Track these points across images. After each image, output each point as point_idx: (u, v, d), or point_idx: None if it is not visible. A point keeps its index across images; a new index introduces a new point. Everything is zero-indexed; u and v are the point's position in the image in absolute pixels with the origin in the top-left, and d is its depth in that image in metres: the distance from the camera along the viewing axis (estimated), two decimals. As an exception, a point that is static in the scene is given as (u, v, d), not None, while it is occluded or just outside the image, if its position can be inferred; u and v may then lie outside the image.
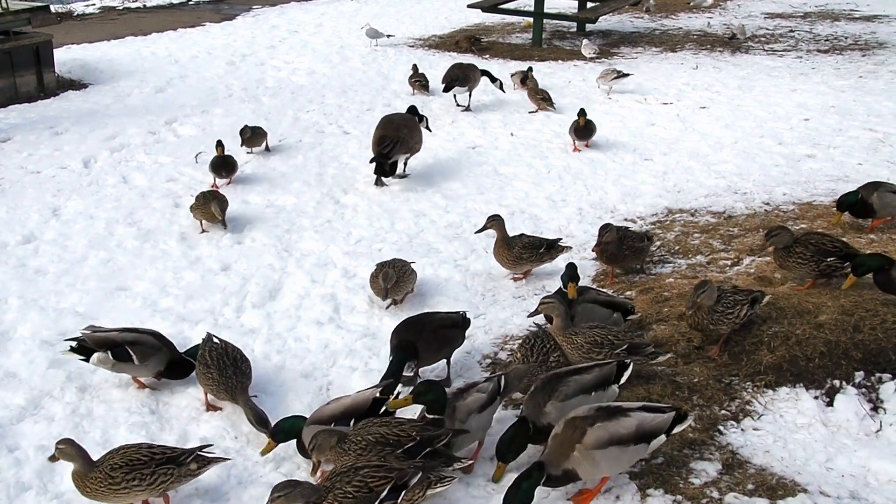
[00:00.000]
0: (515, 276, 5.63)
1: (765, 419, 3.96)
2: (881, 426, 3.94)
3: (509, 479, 3.39)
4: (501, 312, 5.20)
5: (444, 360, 4.54)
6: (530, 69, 10.03)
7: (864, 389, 4.11)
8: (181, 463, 3.44)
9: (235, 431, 4.09)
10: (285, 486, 3.18)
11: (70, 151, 7.97)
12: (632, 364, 3.87)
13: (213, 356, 4.17)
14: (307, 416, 3.86)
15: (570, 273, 4.62)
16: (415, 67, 10.28)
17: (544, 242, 5.47)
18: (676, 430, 3.46)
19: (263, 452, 3.79)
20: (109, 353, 4.23)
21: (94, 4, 16.11)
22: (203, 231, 6.29)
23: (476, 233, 5.74)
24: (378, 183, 7.18)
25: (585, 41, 12.00)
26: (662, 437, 3.42)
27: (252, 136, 7.87)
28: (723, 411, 4.00)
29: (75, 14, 15.38)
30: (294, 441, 3.79)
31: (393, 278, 5.00)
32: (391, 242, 6.16)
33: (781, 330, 4.40)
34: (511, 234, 5.51)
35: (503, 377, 3.91)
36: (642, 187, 7.15)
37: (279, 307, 5.25)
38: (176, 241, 6.13)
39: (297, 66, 11.36)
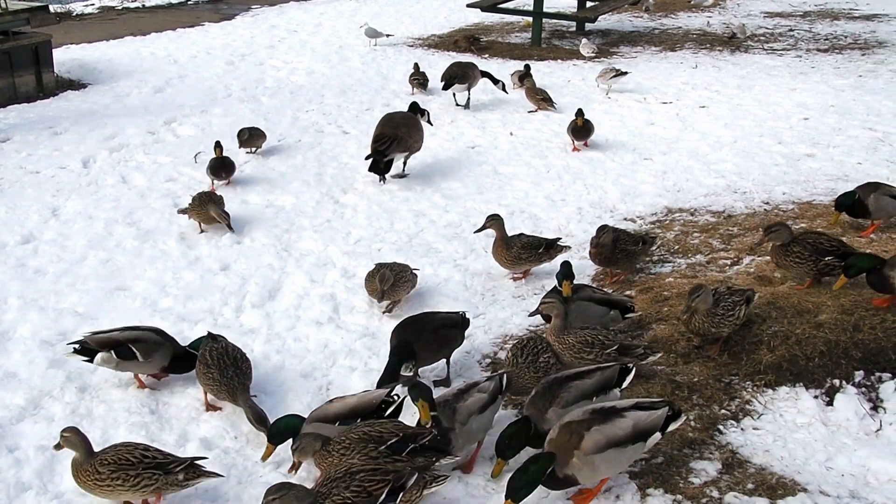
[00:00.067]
0: (515, 275, 5.63)
1: (765, 418, 3.96)
2: (881, 425, 3.94)
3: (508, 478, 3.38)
4: (501, 312, 5.20)
5: (444, 360, 4.54)
6: (527, 67, 10.03)
7: (863, 389, 4.11)
8: (169, 471, 3.41)
9: (235, 431, 4.09)
10: (279, 488, 3.17)
11: (69, 151, 7.97)
12: (634, 368, 3.86)
13: (213, 356, 4.16)
14: (302, 415, 3.85)
15: (565, 271, 4.61)
16: (416, 66, 10.28)
17: (543, 242, 5.46)
18: (671, 427, 3.46)
19: (264, 458, 3.76)
20: (113, 352, 4.23)
21: (92, 4, 16.10)
22: (202, 231, 6.29)
23: (475, 232, 5.74)
24: (382, 180, 7.15)
25: (584, 40, 12.00)
26: (658, 435, 3.42)
27: (250, 137, 7.84)
28: (722, 411, 4.00)
29: (74, 14, 15.37)
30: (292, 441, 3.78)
31: (390, 280, 4.97)
32: (390, 242, 6.15)
33: (781, 329, 4.40)
34: (510, 233, 5.51)
35: (505, 375, 3.91)
36: (642, 187, 7.15)
37: (278, 307, 5.25)
38: (175, 241, 6.13)
39: (297, 66, 11.35)
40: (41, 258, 5.83)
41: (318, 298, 5.33)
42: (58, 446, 3.51)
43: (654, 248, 5.62)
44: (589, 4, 13.73)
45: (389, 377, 4.19)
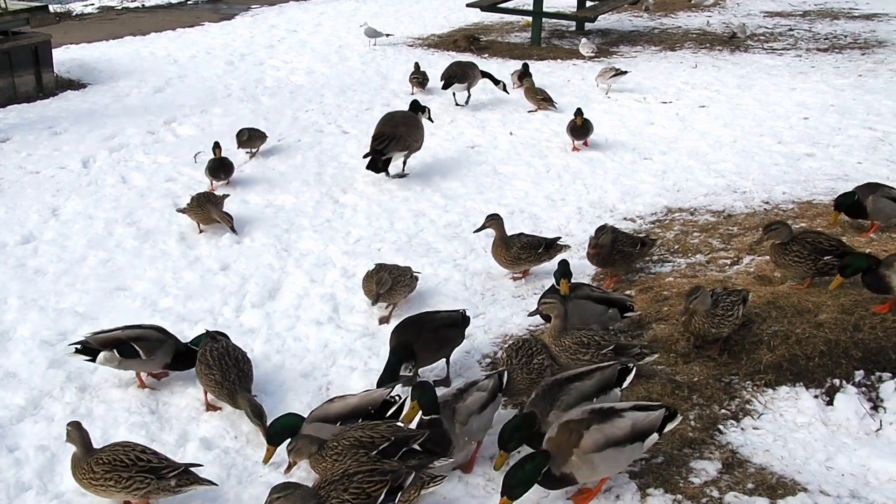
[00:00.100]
0: (514, 275, 5.63)
1: (765, 418, 3.96)
2: (881, 425, 3.94)
3: (496, 482, 3.37)
4: (501, 312, 5.20)
5: (444, 360, 4.54)
6: (525, 66, 10.02)
7: (864, 388, 4.11)
8: (161, 476, 3.39)
9: (235, 431, 4.09)
10: (284, 487, 3.17)
11: (69, 151, 7.96)
12: (634, 368, 3.86)
13: (214, 356, 4.15)
14: (301, 414, 3.84)
15: (563, 269, 4.60)
16: (416, 65, 10.28)
17: (543, 242, 5.46)
18: (668, 427, 3.47)
19: (265, 461, 3.74)
20: (115, 350, 4.23)
21: (92, 4, 16.10)
22: (201, 231, 6.28)
23: (475, 232, 5.74)
24: (384, 172, 7.15)
25: (584, 40, 12.00)
26: (655, 436, 3.42)
27: (249, 138, 7.79)
28: (723, 410, 4.00)
29: (74, 14, 15.36)
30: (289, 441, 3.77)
31: (387, 284, 4.92)
32: (390, 242, 6.15)
33: (781, 329, 4.40)
34: (510, 233, 5.51)
35: (504, 373, 3.91)
36: (642, 186, 7.15)
37: (278, 307, 5.25)
38: (175, 241, 6.13)
39: (296, 66, 11.35)
40: (41, 258, 5.83)
41: (317, 298, 5.33)
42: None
43: (652, 250, 5.61)
44: (588, 4, 13.73)
45: (389, 376, 4.18)
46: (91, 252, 5.92)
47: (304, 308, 5.23)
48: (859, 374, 4.17)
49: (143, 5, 16.27)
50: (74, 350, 4.30)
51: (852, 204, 5.59)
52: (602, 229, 5.25)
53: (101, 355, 4.24)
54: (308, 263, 5.81)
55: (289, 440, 3.66)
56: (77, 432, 3.46)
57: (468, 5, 13.36)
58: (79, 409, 4.22)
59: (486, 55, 12.03)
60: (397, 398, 3.90)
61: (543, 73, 10.90)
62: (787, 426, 3.92)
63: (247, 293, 5.39)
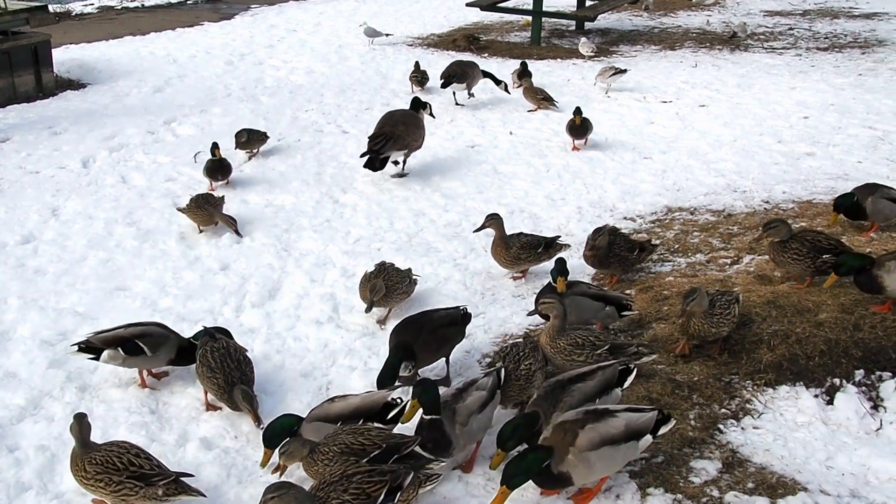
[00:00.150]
0: (515, 275, 5.63)
1: (765, 418, 3.96)
2: (881, 424, 3.94)
3: (496, 482, 3.36)
4: (501, 311, 5.19)
5: (444, 359, 4.54)
6: (524, 64, 10.02)
7: (864, 388, 4.11)
8: (150, 483, 3.38)
9: (235, 431, 4.09)
10: (278, 487, 3.17)
11: (69, 151, 7.96)
12: (635, 369, 3.85)
13: (216, 357, 4.14)
14: (297, 414, 3.83)
15: (559, 268, 4.60)
16: (416, 64, 10.27)
17: (542, 241, 5.45)
18: (662, 430, 3.47)
19: (263, 464, 3.72)
20: (119, 348, 4.23)
21: (92, 4, 16.09)
22: (201, 231, 6.28)
23: (474, 231, 5.73)
24: (398, 165, 7.17)
25: (583, 39, 11.99)
26: (649, 438, 3.43)
27: (248, 139, 7.72)
28: (723, 410, 4.00)
29: (73, 14, 15.36)
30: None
31: (381, 291, 4.85)
32: (390, 242, 6.15)
33: (781, 328, 4.40)
34: (510, 232, 5.51)
35: (502, 370, 3.90)
36: (642, 186, 7.15)
37: (278, 307, 5.25)
38: (175, 241, 6.12)
39: (296, 66, 11.35)
40: (41, 258, 5.83)
41: (317, 298, 5.33)
42: None
43: (651, 255, 5.56)
44: (588, 3, 13.73)
45: (389, 375, 4.18)
46: (91, 252, 5.92)
47: (304, 308, 5.23)
48: (859, 374, 4.17)
49: (142, 5, 16.26)
50: (77, 349, 4.30)
51: (851, 205, 5.58)
52: (599, 231, 5.21)
53: (105, 354, 4.24)
54: (308, 263, 5.81)
55: (308, 435, 3.65)
56: (77, 426, 3.47)
57: (468, 4, 13.36)
58: (79, 408, 4.21)
59: (486, 55, 12.03)
60: (399, 400, 3.89)
61: (543, 72, 10.89)
62: (787, 425, 3.92)
63: (247, 293, 5.39)
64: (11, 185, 7.16)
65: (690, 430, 3.84)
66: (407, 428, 3.75)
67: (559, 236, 5.72)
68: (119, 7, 16.11)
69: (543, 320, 4.40)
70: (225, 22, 14.57)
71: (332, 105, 9.57)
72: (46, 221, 6.42)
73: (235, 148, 7.70)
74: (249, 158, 7.83)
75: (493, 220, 5.43)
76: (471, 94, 9.68)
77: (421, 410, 3.58)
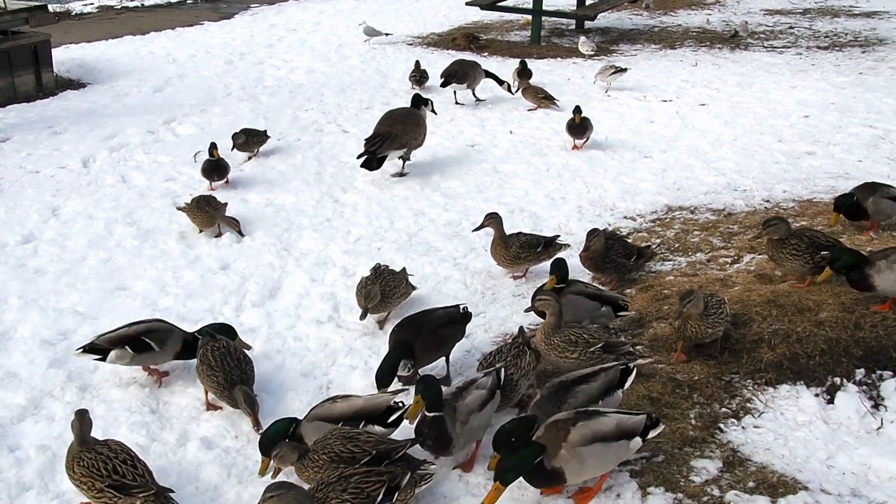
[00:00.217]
0: (515, 274, 5.62)
1: (765, 417, 3.96)
2: (882, 423, 3.94)
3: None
4: (501, 311, 5.19)
5: (444, 359, 4.53)
6: (524, 63, 10.02)
7: (864, 387, 4.11)
8: (129, 494, 3.35)
9: (236, 430, 4.09)
10: (278, 486, 3.17)
11: (69, 151, 7.96)
12: (635, 369, 3.85)
13: (216, 357, 4.14)
14: (292, 417, 3.81)
15: (553, 266, 4.64)
16: (417, 64, 10.27)
17: (541, 241, 5.45)
18: (651, 434, 3.47)
19: (261, 472, 3.69)
20: (127, 347, 4.24)
21: (91, 4, 16.09)
22: (201, 231, 6.28)
23: (474, 231, 5.73)
24: (402, 163, 7.25)
25: (583, 38, 11.98)
26: (639, 440, 3.43)
27: (246, 141, 7.66)
28: (723, 409, 4.00)
29: (73, 13, 15.36)
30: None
31: (375, 298, 4.80)
32: (390, 241, 6.15)
33: (782, 327, 4.40)
34: (509, 232, 5.50)
35: (501, 370, 3.90)
36: (642, 185, 7.15)
37: (279, 306, 5.25)
38: (175, 241, 6.12)
39: (296, 65, 11.34)
40: (41, 258, 5.83)
41: (318, 297, 5.33)
42: None
43: (649, 262, 5.54)
44: (588, 2, 13.71)
45: (388, 371, 4.17)
46: (91, 252, 5.92)
47: (305, 307, 5.23)
48: (860, 373, 4.17)
49: (142, 4, 16.26)
50: (82, 350, 4.29)
51: (852, 205, 5.56)
52: (594, 233, 5.15)
53: (113, 353, 4.24)
54: (308, 262, 5.81)
55: (308, 435, 3.65)
56: (78, 422, 3.48)
57: (467, 3, 13.34)
58: (80, 408, 4.21)
59: (486, 54, 12.02)
60: (402, 404, 3.89)
61: (543, 71, 10.89)
62: (787, 425, 3.92)
63: (247, 292, 5.39)
64: (11, 185, 7.16)
65: (691, 430, 3.84)
66: (407, 428, 3.75)
67: (558, 236, 5.72)
68: (119, 7, 16.10)
69: (540, 318, 4.39)
70: (225, 21, 14.57)
71: (332, 104, 9.56)
72: (46, 221, 6.42)
73: (232, 149, 7.65)
74: (249, 159, 7.81)
75: (493, 220, 5.42)
76: (477, 98, 9.63)
77: (424, 408, 3.58)
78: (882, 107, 9.09)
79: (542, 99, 9.27)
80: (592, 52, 11.67)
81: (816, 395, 4.06)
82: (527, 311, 4.47)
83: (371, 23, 13.19)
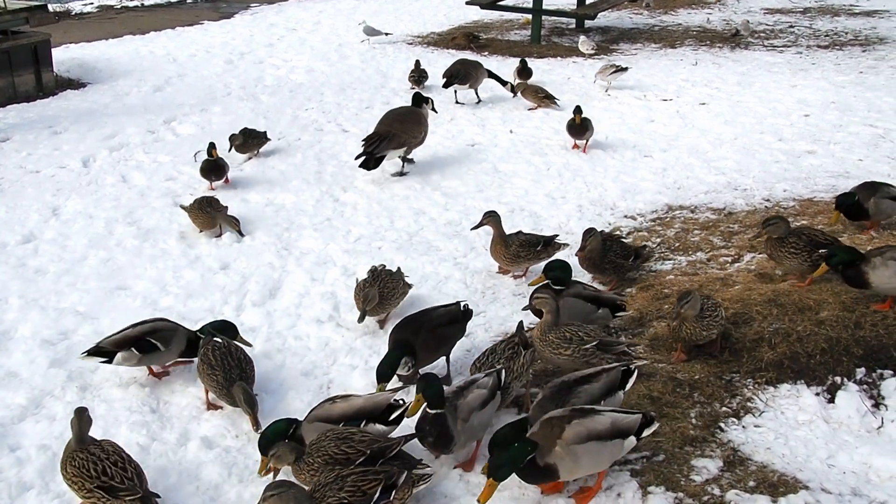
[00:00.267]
0: (515, 273, 5.62)
1: (766, 416, 3.96)
2: (882, 422, 3.94)
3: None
4: (502, 310, 5.19)
5: (444, 358, 4.53)
6: (523, 62, 10.02)
7: (865, 386, 4.11)
8: (116, 497, 3.36)
9: (236, 430, 4.09)
10: (278, 485, 3.18)
11: (69, 151, 7.96)
12: (636, 370, 3.85)
13: (216, 356, 4.14)
14: (291, 418, 3.81)
15: (546, 268, 4.66)
16: (417, 63, 10.27)
17: (541, 240, 5.45)
18: (646, 432, 3.48)
19: (260, 472, 3.68)
20: (133, 348, 4.24)
21: (91, 3, 16.09)
22: (201, 231, 6.28)
23: (472, 229, 5.73)
24: (405, 161, 7.29)
25: (582, 37, 11.98)
26: (633, 439, 3.43)
27: (244, 142, 7.63)
28: (724, 408, 4.00)
29: (73, 13, 15.36)
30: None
31: (373, 300, 4.79)
32: (391, 240, 6.15)
33: (782, 326, 4.40)
34: (509, 231, 5.50)
35: (502, 371, 3.91)
36: (642, 184, 7.14)
37: (279, 305, 5.25)
38: (175, 240, 6.12)
39: (296, 65, 11.34)
40: (42, 258, 5.83)
41: (318, 297, 5.33)
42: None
43: (647, 262, 5.53)
44: (588, 1, 13.70)
45: (388, 368, 4.17)
46: (91, 251, 5.92)
47: (305, 307, 5.23)
48: (860, 372, 4.17)
49: (142, 4, 16.26)
50: (87, 354, 4.29)
51: (852, 205, 5.55)
52: (590, 232, 5.14)
53: (119, 355, 4.24)
54: (308, 262, 5.81)
55: (308, 435, 3.65)
56: (77, 420, 3.49)
57: (467, 3, 13.33)
58: (79, 406, 4.21)
59: (486, 53, 12.02)
60: (402, 402, 3.89)
61: (543, 70, 10.89)
62: (788, 424, 3.92)
63: (247, 292, 5.39)
64: (12, 185, 7.16)
65: (691, 429, 3.84)
66: (407, 426, 3.76)
67: (557, 235, 5.72)
68: (119, 6, 16.10)
69: (536, 316, 4.39)
70: (225, 21, 14.57)
71: (332, 104, 9.56)
72: (47, 221, 6.42)
73: (229, 150, 7.61)
74: (248, 159, 7.79)
75: (491, 218, 5.42)
76: (479, 100, 9.63)
77: (425, 405, 3.58)
78: (882, 106, 9.08)
79: (543, 98, 9.26)
80: (593, 52, 11.67)
81: (817, 395, 4.06)
82: (524, 309, 4.47)
83: (371, 22, 13.19)
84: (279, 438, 3.64)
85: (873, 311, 4.47)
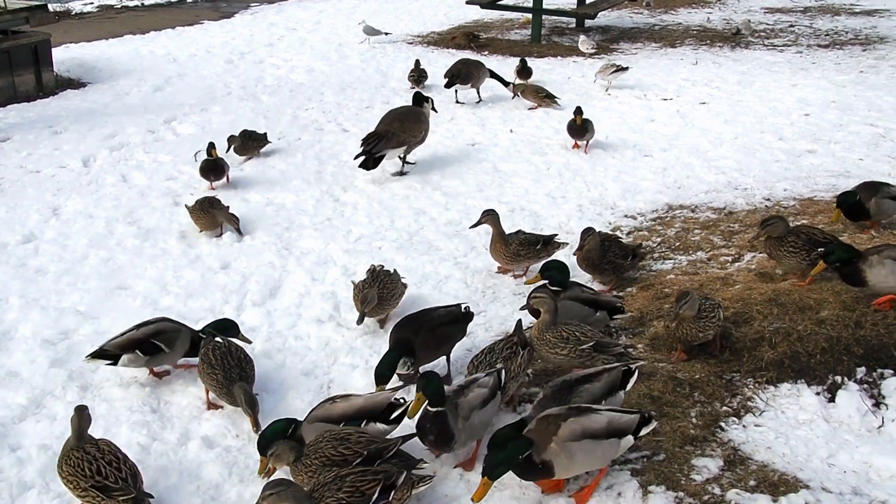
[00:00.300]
0: (516, 273, 5.62)
1: (766, 415, 3.96)
2: (883, 422, 3.94)
3: (499, 480, 3.35)
4: (502, 309, 5.19)
5: (445, 357, 4.53)
6: (523, 61, 10.01)
7: (865, 385, 4.11)
8: (110, 496, 3.36)
9: (237, 430, 4.09)
10: (277, 484, 3.18)
11: (69, 150, 7.96)
12: (637, 370, 3.85)
13: (216, 356, 4.15)
14: (291, 418, 3.81)
15: (543, 268, 4.66)
16: (417, 62, 10.26)
17: (541, 239, 5.45)
18: (643, 432, 3.48)
19: (260, 472, 3.68)
20: (138, 351, 4.24)
21: (91, 3, 16.09)
22: (202, 231, 6.28)
23: (471, 227, 5.73)
24: (403, 163, 7.29)
25: (582, 37, 11.97)
26: (630, 438, 3.43)
27: (241, 144, 7.60)
28: (724, 407, 4.00)
29: (73, 13, 15.35)
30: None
31: (373, 302, 4.78)
32: (391, 240, 6.15)
33: (783, 326, 4.40)
34: (509, 230, 5.50)
35: (503, 371, 3.91)
36: (642, 183, 7.14)
37: (279, 305, 5.25)
38: (176, 240, 6.12)
39: (296, 64, 11.34)
40: (42, 257, 5.83)
41: (318, 296, 5.33)
42: None
43: (643, 261, 5.54)
44: (588, 0, 13.71)
45: (387, 368, 4.17)
46: (92, 251, 5.92)
47: (305, 306, 5.23)
48: (861, 371, 4.17)
49: (142, 4, 16.26)
50: (92, 355, 4.29)
51: (853, 205, 5.54)
52: (588, 232, 5.14)
53: (124, 358, 4.24)
54: (309, 262, 5.81)
55: (308, 436, 3.65)
56: (77, 418, 3.50)
57: (468, 2, 13.34)
58: (79, 404, 4.21)
59: (486, 52, 12.02)
60: (402, 400, 3.89)
61: (543, 70, 10.89)
62: (788, 423, 3.92)
63: (248, 291, 5.39)
64: (12, 185, 7.16)
65: (692, 428, 3.84)
66: (408, 425, 3.76)
67: (556, 234, 5.71)
68: (119, 6, 16.10)
69: (533, 316, 4.39)
70: (225, 20, 14.57)
71: (332, 103, 9.56)
72: (47, 221, 6.42)
73: (227, 151, 7.57)
74: (245, 160, 7.75)
75: (489, 216, 5.42)
76: (480, 99, 9.63)
77: (426, 403, 3.58)
78: (883, 105, 9.08)
79: (544, 98, 9.26)
80: (593, 51, 11.67)
81: (817, 394, 4.06)
82: (522, 308, 4.47)
83: (371, 22, 13.19)
84: (278, 438, 3.64)
85: (874, 311, 4.47)
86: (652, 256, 5.74)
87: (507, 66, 10.87)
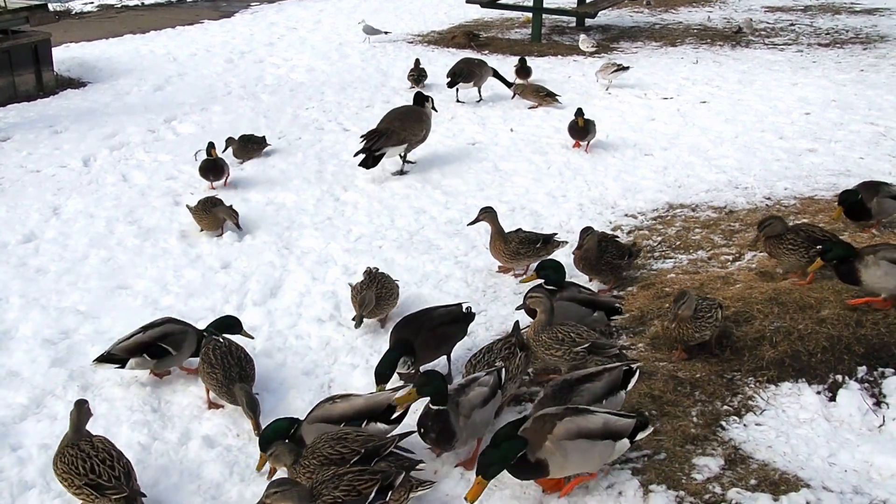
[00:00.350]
0: (516, 272, 5.62)
1: (767, 414, 3.96)
2: (884, 421, 3.94)
3: (498, 480, 3.36)
4: (503, 309, 5.19)
5: (445, 357, 4.53)
6: (523, 61, 10.01)
7: (866, 384, 4.11)
8: (103, 494, 3.36)
9: (237, 429, 4.09)
10: (281, 483, 3.19)
11: (70, 150, 7.96)
12: (638, 370, 3.85)
13: (217, 355, 4.15)
14: (292, 417, 3.80)
15: (538, 267, 4.66)
16: (416, 62, 10.26)
17: (540, 237, 5.45)
18: (640, 436, 3.47)
19: (259, 468, 3.70)
20: (144, 354, 4.24)
21: (92, 3, 16.09)
22: (202, 230, 6.28)
23: (468, 225, 5.73)
24: (404, 163, 7.25)
25: (583, 36, 11.97)
26: (626, 442, 3.42)
27: (239, 147, 7.56)
28: (725, 407, 4.00)
29: (73, 12, 15.35)
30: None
31: (370, 304, 4.77)
32: (391, 239, 6.15)
33: (783, 325, 4.40)
34: (509, 229, 5.50)
35: (503, 370, 3.91)
36: (643, 182, 7.14)
37: (280, 305, 5.25)
38: (176, 240, 6.12)
39: (296, 64, 11.34)
40: (42, 257, 5.83)
41: (319, 296, 5.32)
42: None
43: (638, 260, 5.54)
44: (589, 0, 13.70)
45: (387, 367, 4.17)
46: (92, 251, 5.92)
47: (306, 306, 5.23)
48: (862, 370, 4.17)
49: (142, 3, 16.26)
50: (98, 359, 4.29)
51: (855, 204, 5.53)
52: (587, 231, 5.14)
53: (132, 361, 4.24)
54: (309, 261, 5.81)
55: (308, 436, 3.65)
56: (76, 412, 3.50)
57: (468, 1, 13.33)
58: (79, 398, 4.21)
59: (486, 51, 12.01)
60: None
61: (544, 69, 10.88)
62: (789, 422, 3.92)
63: (248, 291, 5.39)
64: (12, 185, 7.17)
65: (693, 427, 3.84)
66: (409, 425, 3.76)
67: (556, 233, 5.71)
68: (119, 5, 16.10)
69: (530, 316, 4.38)
70: (225, 20, 14.57)
71: (332, 103, 9.56)
72: (48, 220, 6.42)
73: (224, 151, 7.50)
74: (242, 162, 7.70)
75: (487, 213, 5.42)
76: (480, 98, 9.61)
77: (420, 399, 3.57)
78: (883, 104, 9.07)
79: (544, 97, 9.26)
80: (593, 50, 11.66)
81: (818, 393, 4.06)
82: (518, 308, 4.47)
83: (371, 21, 13.18)
84: (279, 437, 3.64)
85: (874, 310, 4.47)
86: (652, 255, 5.74)
87: (507, 65, 10.86)
